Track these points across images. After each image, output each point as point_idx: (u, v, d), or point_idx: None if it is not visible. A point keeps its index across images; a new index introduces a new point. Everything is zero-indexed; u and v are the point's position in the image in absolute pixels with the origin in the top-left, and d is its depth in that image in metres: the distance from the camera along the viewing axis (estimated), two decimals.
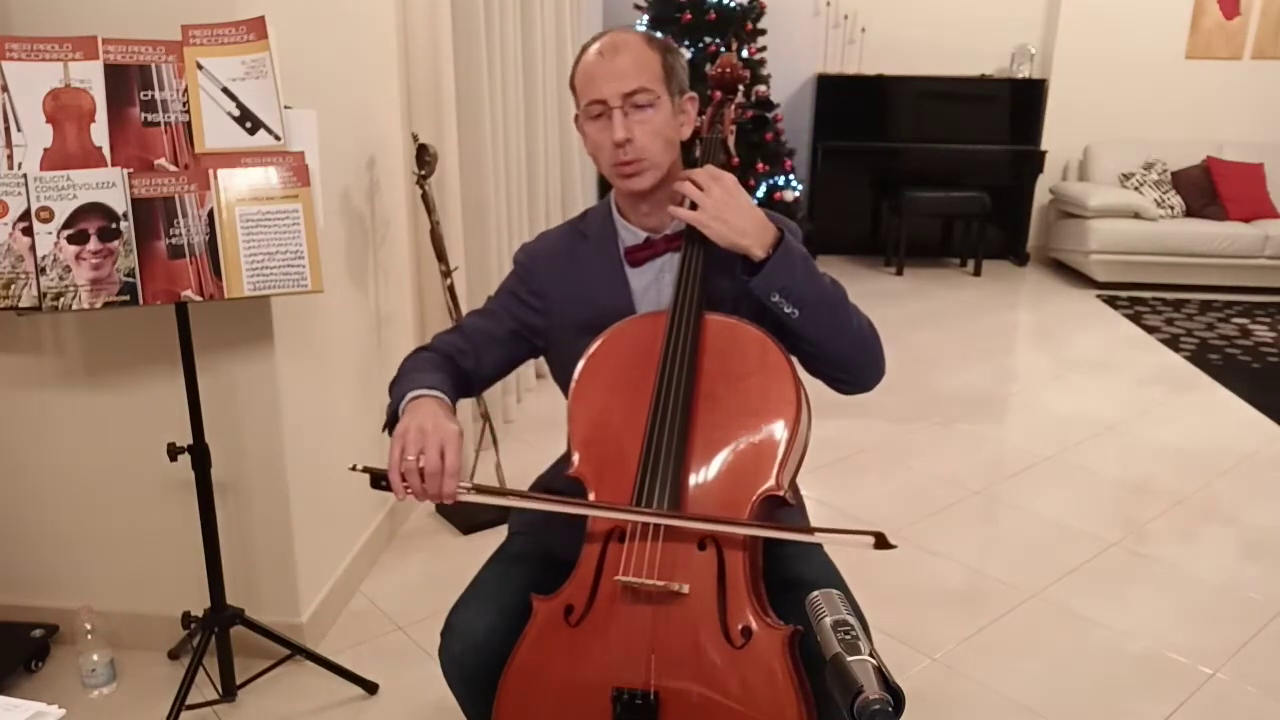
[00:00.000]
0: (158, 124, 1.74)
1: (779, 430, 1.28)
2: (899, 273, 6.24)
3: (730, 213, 1.32)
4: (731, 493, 1.26)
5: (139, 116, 1.73)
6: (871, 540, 1.20)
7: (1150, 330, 5.10)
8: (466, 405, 3.13)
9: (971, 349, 4.77)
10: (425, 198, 2.71)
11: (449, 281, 2.80)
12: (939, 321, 5.23)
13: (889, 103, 6.47)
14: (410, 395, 1.31)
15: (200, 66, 1.74)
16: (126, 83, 1.72)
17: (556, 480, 1.52)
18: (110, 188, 1.70)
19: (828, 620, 0.86)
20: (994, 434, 3.74)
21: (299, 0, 2.09)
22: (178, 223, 1.73)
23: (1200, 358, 4.64)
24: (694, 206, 1.35)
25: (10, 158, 1.67)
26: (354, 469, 1.27)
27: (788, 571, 1.37)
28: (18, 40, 1.68)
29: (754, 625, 1.20)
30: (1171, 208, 6.01)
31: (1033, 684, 2.17)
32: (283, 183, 1.77)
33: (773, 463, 1.27)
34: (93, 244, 1.69)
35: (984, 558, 2.75)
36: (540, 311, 1.49)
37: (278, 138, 1.77)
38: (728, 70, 1.56)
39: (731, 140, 1.55)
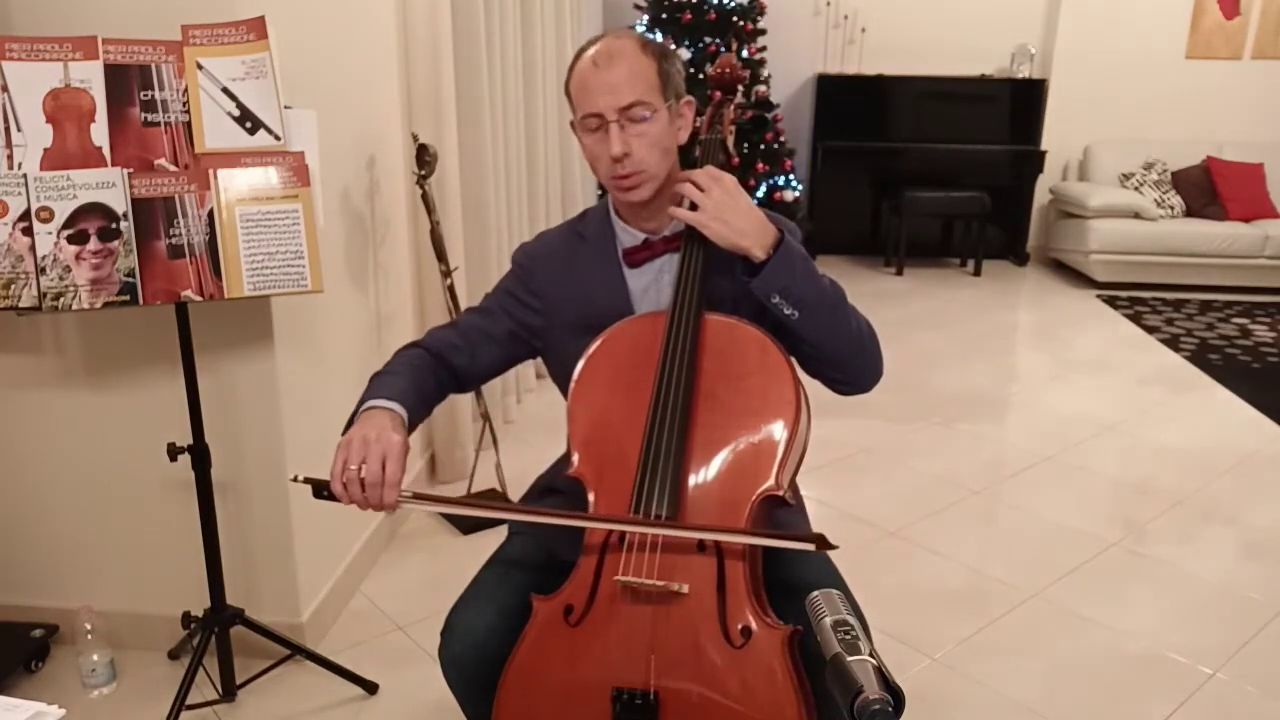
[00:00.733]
0: (158, 124, 1.74)
1: (778, 430, 1.28)
2: (899, 273, 6.24)
3: (730, 214, 1.32)
4: (731, 493, 1.26)
5: (139, 116, 1.73)
6: (811, 545, 1.20)
7: (1150, 330, 5.10)
8: (467, 406, 3.13)
9: (971, 349, 4.77)
10: (425, 198, 2.71)
11: (449, 281, 2.80)
12: (939, 321, 5.23)
13: (889, 103, 6.47)
14: (366, 405, 1.32)
15: (200, 66, 1.74)
16: (126, 83, 1.72)
17: (556, 480, 1.52)
18: (110, 188, 1.70)
19: (828, 620, 0.86)
20: (994, 434, 3.74)
21: (299, 0, 2.09)
22: (178, 223, 1.73)
23: (1200, 358, 4.64)
24: (694, 207, 1.34)
25: (10, 158, 1.67)
26: (295, 480, 1.30)
27: (787, 572, 1.37)
28: (18, 40, 1.68)
29: (753, 625, 1.20)
30: (1171, 208, 6.01)
31: (1033, 684, 2.17)
32: (283, 183, 1.77)
33: (772, 463, 1.27)
34: (93, 244, 1.69)
35: (984, 558, 2.75)
36: (538, 312, 1.49)
37: (278, 138, 1.77)
38: (727, 70, 1.56)
39: (731, 140, 1.55)
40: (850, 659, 0.81)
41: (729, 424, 1.30)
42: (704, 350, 1.33)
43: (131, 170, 1.71)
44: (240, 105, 1.75)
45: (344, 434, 1.31)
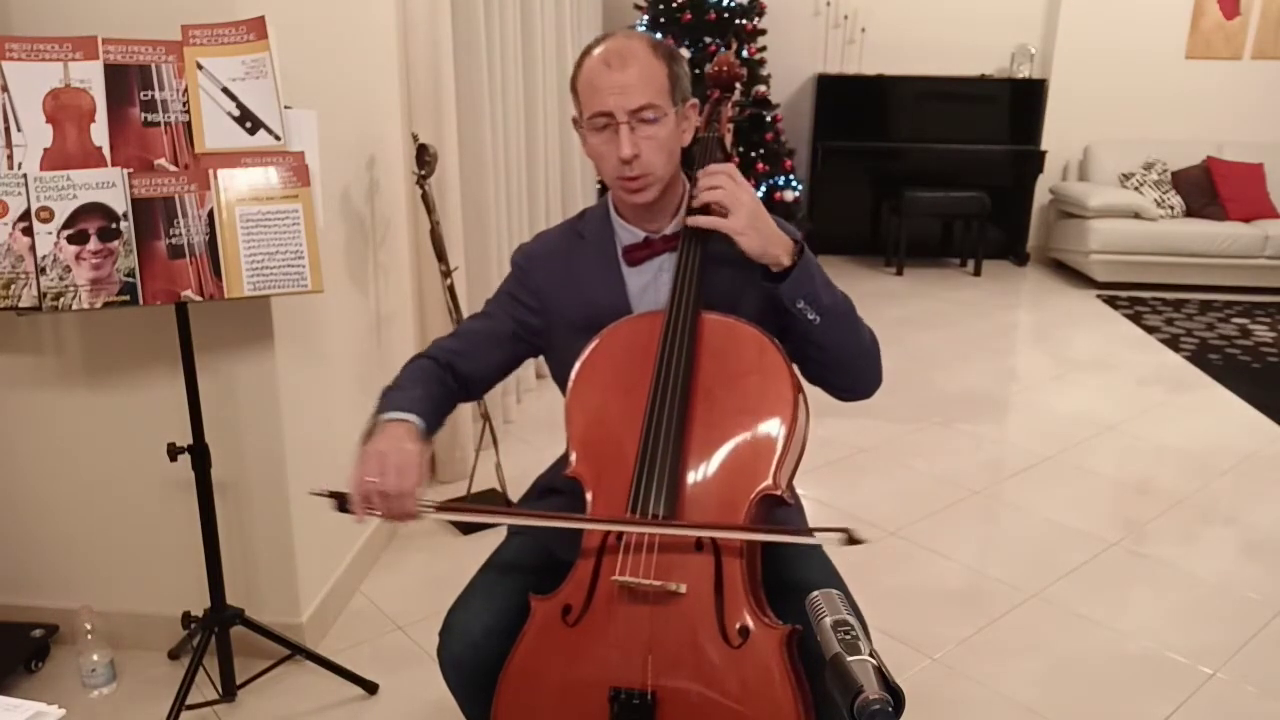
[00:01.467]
0: (158, 124, 1.74)
1: (776, 429, 1.28)
2: (899, 273, 6.24)
3: (761, 221, 1.32)
4: (729, 492, 1.26)
5: (139, 116, 1.73)
6: (843, 536, 1.19)
7: (1150, 330, 5.10)
8: (467, 406, 3.13)
9: (971, 349, 4.77)
10: (425, 198, 2.71)
11: (449, 281, 2.80)
12: (939, 321, 5.23)
13: (889, 103, 6.47)
14: (383, 418, 1.32)
15: (200, 66, 1.74)
16: (126, 83, 1.72)
17: (555, 480, 1.52)
18: (110, 188, 1.70)
19: (828, 620, 0.86)
20: (994, 434, 3.74)
21: (299, 0, 2.09)
22: (178, 223, 1.73)
23: (1200, 358, 4.64)
24: (707, 209, 1.34)
25: (10, 158, 1.67)
26: (317, 494, 1.31)
27: (787, 572, 1.37)
28: (18, 40, 1.68)
29: (751, 625, 1.20)
30: (1171, 208, 6.01)
31: (1033, 684, 2.17)
32: (283, 183, 1.77)
33: (770, 462, 1.27)
34: (93, 244, 1.69)
35: (984, 558, 2.75)
36: (538, 312, 1.49)
37: (278, 138, 1.77)
38: (725, 69, 1.56)
39: (729, 139, 1.55)
40: (850, 659, 0.81)
41: (726, 423, 1.29)
42: (701, 349, 1.33)
43: (131, 170, 1.71)
44: (240, 105, 1.75)
45: (362, 442, 1.32)
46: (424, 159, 2.66)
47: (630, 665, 1.21)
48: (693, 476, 1.28)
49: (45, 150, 1.69)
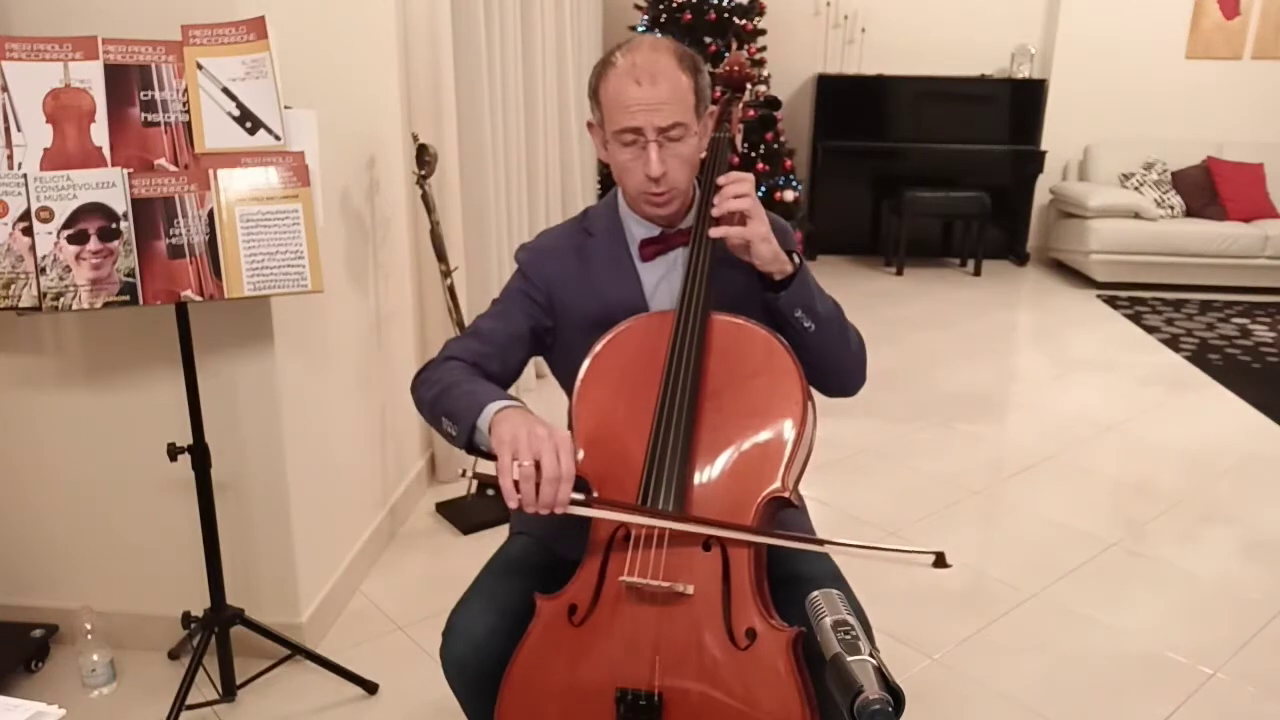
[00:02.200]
0: (158, 124, 1.74)
1: (785, 431, 1.28)
2: (899, 273, 6.24)
3: (771, 235, 1.34)
4: (737, 494, 1.26)
5: (139, 116, 1.73)
6: (931, 559, 1.20)
7: (1150, 330, 5.10)
8: None
9: (971, 349, 4.77)
10: (425, 198, 2.71)
11: (449, 281, 2.80)
12: (939, 321, 5.22)
13: (889, 103, 6.47)
14: (496, 406, 1.26)
15: (200, 66, 1.74)
16: (126, 83, 1.72)
17: None
18: (110, 188, 1.70)
19: (828, 620, 0.87)
20: (994, 434, 3.74)
21: (299, 0, 2.09)
22: (178, 223, 1.73)
23: (1200, 358, 4.64)
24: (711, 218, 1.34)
25: (10, 158, 1.67)
26: (463, 474, 1.26)
27: (789, 571, 1.37)
28: (18, 40, 1.68)
29: (758, 626, 1.19)
30: (1171, 208, 6.01)
31: (1033, 684, 2.17)
32: (283, 183, 1.77)
33: (779, 464, 1.26)
34: (93, 244, 1.69)
35: (984, 558, 2.75)
36: (548, 310, 1.49)
37: (278, 138, 1.77)
38: (735, 69, 1.55)
39: (738, 139, 1.55)
40: (850, 659, 0.81)
41: (735, 424, 1.29)
42: (710, 350, 1.33)
43: (131, 170, 1.71)
44: (240, 105, 1.75)
45: (465, 446, 1.28)
46: (424, 159, 2.66)
47: (637, 666, 1.21)
48: (701, 477, 1.28)
49: (45, 150, 1.69)
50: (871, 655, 0.81)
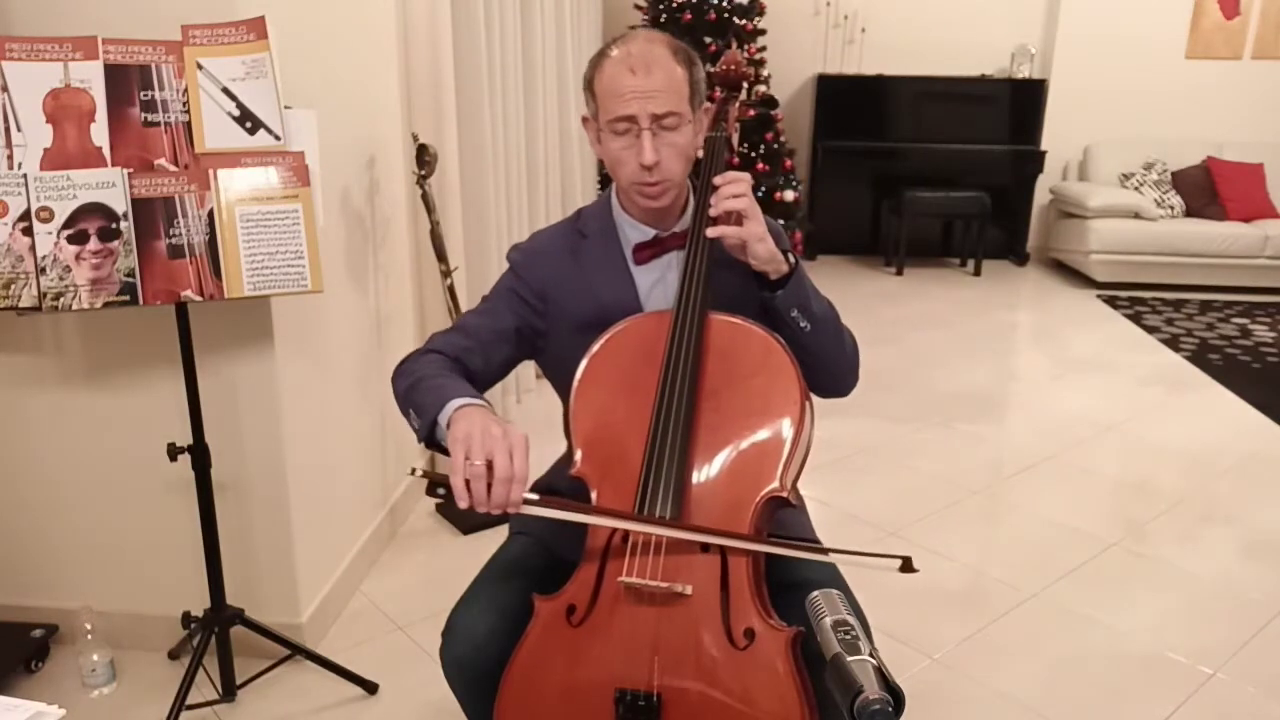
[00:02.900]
0: (158, 124, 1.74)
1: (783, 431, 1.28)
2: (899, 273, 6.24)
3: (768, 235, 1.34)
4: (736, 494, 1.26)
5: (139, 116, 1.73)
6: (897, 564, 1.21)
7: (1150, 330, 5.10)
8: None
9: (971, 349, 4.77)
10: (425, 198, 2.71)
11: (449, 281, 2.80)
12: (939, 321, 5.22)
13: (889, 103, 6.47)
14: (457, 403, 1.24)
15: (200, 66, 1.74)
16: (126, 83, 1.72)
17: (558, 481, 1.51)
18: (110, 188, 1.70)
19: (828, 620, 0.87)
20: (994, 434, 3.74)
21: (299, 0, 2.09)
22: (178, 223, 1.73)
23: (1200, 358, 4.64)
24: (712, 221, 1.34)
25: (10, 158, 1.67)
26: (413, 474, 1.20)
27: (788, 571, 1.36)
28: (18, 40, 1.68)
29: (757, 627, 1.19)
30: (1171, 208, 6.01)
31: (1033, 684, 2.17)
32: (283, 183, 1.77)
33: (777, 464, 1.26)
34: (93, 244, 1.69)
35: (984, 558, 2.75)
36: (541, 313, 1.48)
37: (278, 138, 1.77)
38: (732, 68, 1.55)
39: (735, 139, 1.55)
40: (850, 659, 0.81)
41: (733, 425, 1.29)
42: (708, 350, 1.33)
43: (131, 170, 1.71)
44: (240, 105, 1.75)
45: (423, 440, 1.27)
46: (424, 159, 2.66)
47: (636, 666, 1.21)
48: (699, 478, 1.27)
49: (45, 150, 1.69)
50: (871, 655, 0.81)
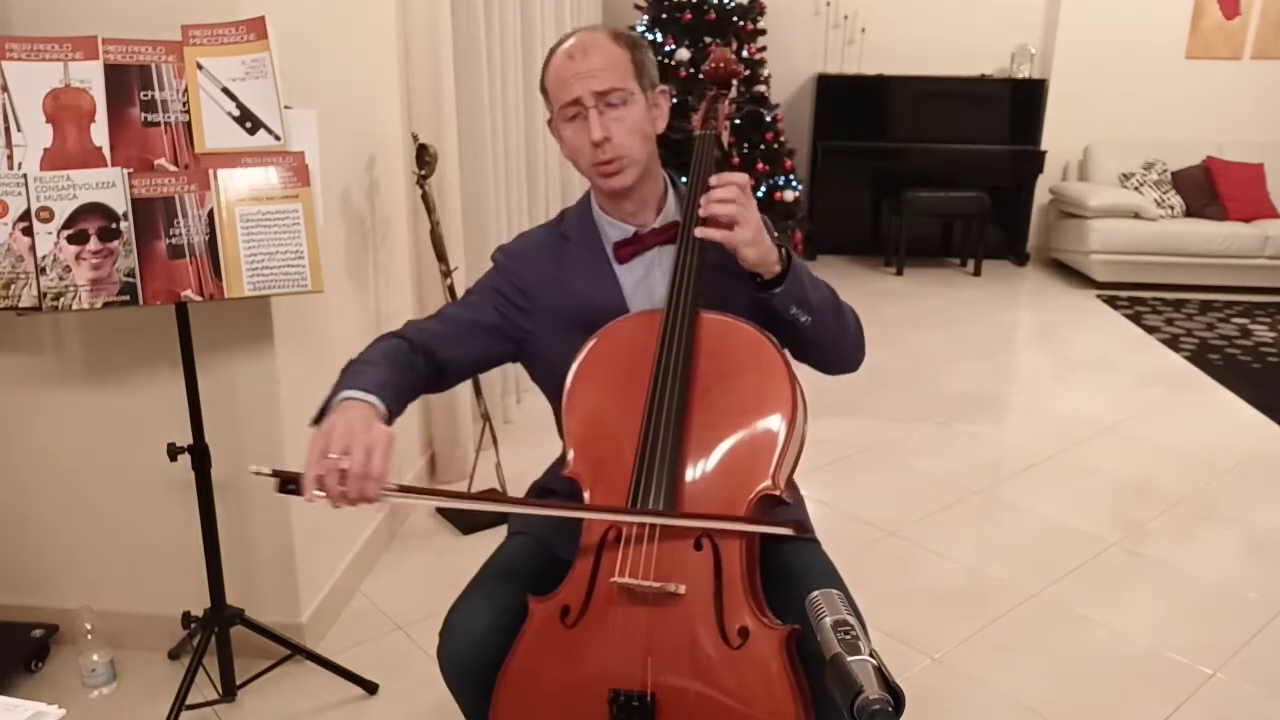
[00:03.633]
0: (158, 124, 1.74)
1: (775, 428, 1.28)
2: (899, 273, 6.24)
3: (761, 233, 1.32)
4: (728, 492, 1.26)
5: (139, 116, 1.73)
6: (789, 531, 1.25)
7: (1150, 330, 5.10)
8: (467, 406, 3.13)
9: (971, 349, 4.77)
10: (425, 198, 2.71)
11: (449, 281, 2.80)
12: (939, 321, 5.22)
13: (889, 103, 6.47)
14: (344, 395, 1.24)
15: (200, 66, 1.74)
16: (126, 83, 1.72)
17: (553, 481, 1.52)
18: (110, 188, 1.70)
19: (827, 620, 0.86)
20: (994, 434, 3.74)
21: (299, 0, 2.09)
22: (178, 223, 1.73)
23: (1200, 358, 4.64)
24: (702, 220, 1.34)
25: (10, 158, 1.67)
26: (258, 473, 1.18)
27: (786, 571, 1.36)
28: (18, 40, 1.68)
29: (751, 625, 1.19)
30: (1171, 208, 6.01)
31: (1033, 684, 2.17)
32: (283, 183, 1.77)
33: (769, 462, 1.26)
34: (93, 244, 1.69)
35: (984, 558, 2.75)
36: (527, 312, 1.47)
37: (278, 138, 1.77)
38: (721, 65, 1.55)
39: (726, 137, 1.54)
40: (850, 659, 0.81)
41: (725, 423, 1.29)
42: (700, 349, 1.32)
43: (131, 170, 1.71)
44: (240, 105, 1.75)
45: (313, 422, 1.25)
46: (424, 159, 2.66)
47: (630, 666, 1.21)
48: (692, 477, 1.27)
49: (45, 150, 1.69)
50: (871, 655, 0.81)
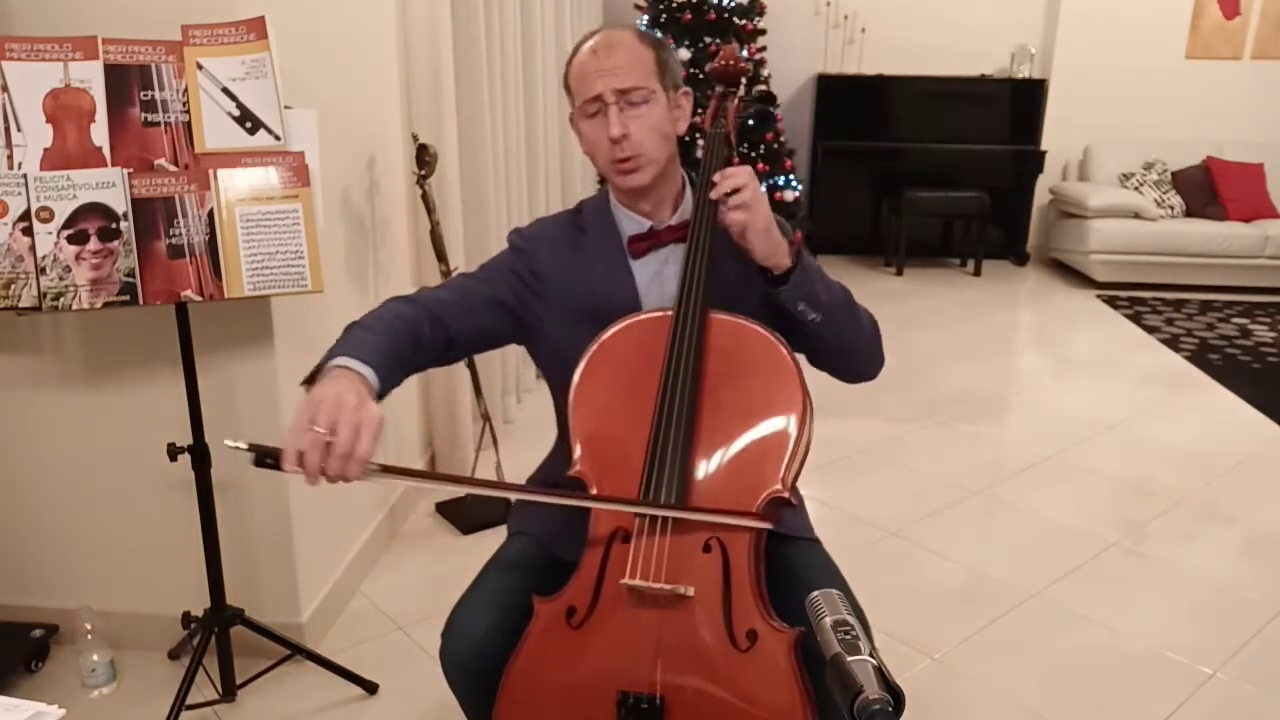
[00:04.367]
0: (158, 124, 1.74)
1: (784, 431, 1.28)
2: (899, 273, 6.24)
3: (772, 225, 1.33)
4: (738, 495, 1.25)
5: (139, 116, 1.73)
6: (769, 525, 1.23)
7: (1150, 330, 5.10)
8: (467, 405, 3.13)
9: (971, 349, 4.77)
10: (425, 198, 2.71)
11: None
12: (939, 321, 5.22)
13: (889, 103, 6.47)
14: (338, 362, 1.21)
15: (200, 66, 1.74)
16: (126, 83, 1.72)
17: (558, 480, 1.51)
18: (110, 188, 1.70)
19: (828, 620, 0.86)
20: (994, 434, 3.74)
21: (299, 0, 2.09)
22: (178, 223, 1.73)
23: (1200, 358, 4.64)
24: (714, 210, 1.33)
25: (10, 158, 1.67)
26: (234, 447, 1.13)
27: (788, 571, 1.36)
28: (18, 40, 1.68)
29: (759, 628, 1.19)
30: (1171, 208, 6.01)
31: (1033, 684, 2.17)
32: (283, 183, 1.77)
33: (779, 464, 1.26)
34: (93, 244, 1.69)
35: (984, 558, 2.75)
36: (539, 296, 1.46)
37: (278, 138, 1.77)
38: (729, 63, 1.55)
39: (734, 135, 1.54)
40: (850, 659, 0.80)
41: (734, 425, 1.29)
42: (709, 350, 1.32)
43: (131, 170, 1.71)
44: (240, 105, 1.75)
45: (304, 384, 1.21)
46: (424, 159, 2.66)
47: (638, 668, 1.20)
48: (701, 479, 1.27)
49: (45, 150, 1.69)
50: (871, 655, 0.81)
